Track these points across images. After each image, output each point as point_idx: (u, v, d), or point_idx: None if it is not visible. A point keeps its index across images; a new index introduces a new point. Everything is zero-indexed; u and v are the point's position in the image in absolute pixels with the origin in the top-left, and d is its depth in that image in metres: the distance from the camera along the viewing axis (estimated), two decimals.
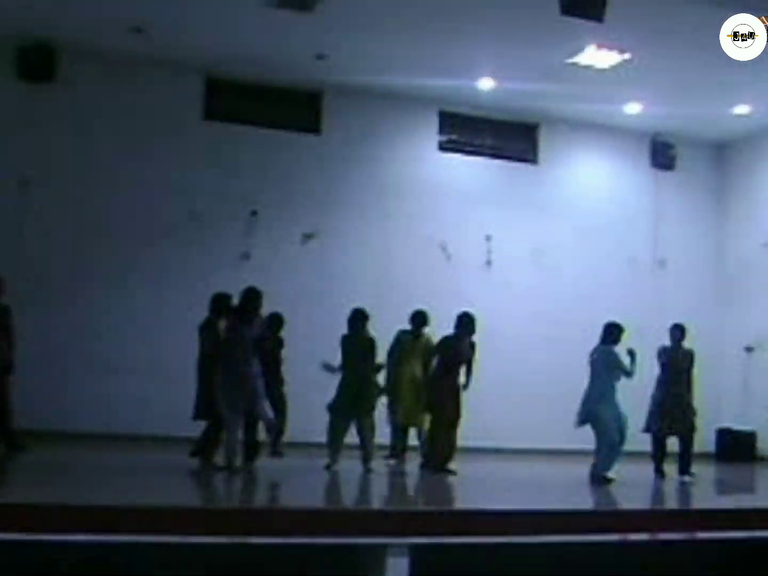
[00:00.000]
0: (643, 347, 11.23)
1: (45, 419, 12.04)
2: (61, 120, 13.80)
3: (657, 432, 11.65)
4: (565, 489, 10.16)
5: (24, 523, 5.80)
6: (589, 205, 16.55)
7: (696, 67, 13.44)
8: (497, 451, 13.97)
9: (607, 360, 10.85)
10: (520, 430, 14.09)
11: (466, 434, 12.65)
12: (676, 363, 11.71)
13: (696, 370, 11.85)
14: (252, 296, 10.03)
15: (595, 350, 11.06)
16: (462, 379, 11.28)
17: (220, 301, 10.44)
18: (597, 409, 10.68)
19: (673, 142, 16.91)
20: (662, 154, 16.93)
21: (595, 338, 11.18)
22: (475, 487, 10.09)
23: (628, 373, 10.78)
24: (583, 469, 10.81)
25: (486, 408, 14.00)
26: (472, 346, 11.37)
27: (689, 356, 11.84)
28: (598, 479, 10.48)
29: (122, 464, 10.54)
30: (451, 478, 10.72)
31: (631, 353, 10.81)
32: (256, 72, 14.58)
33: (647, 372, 11.57)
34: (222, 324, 10.16)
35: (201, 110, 14.80)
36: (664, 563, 7.22)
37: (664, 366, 11.76)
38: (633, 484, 10.75)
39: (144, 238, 14.06)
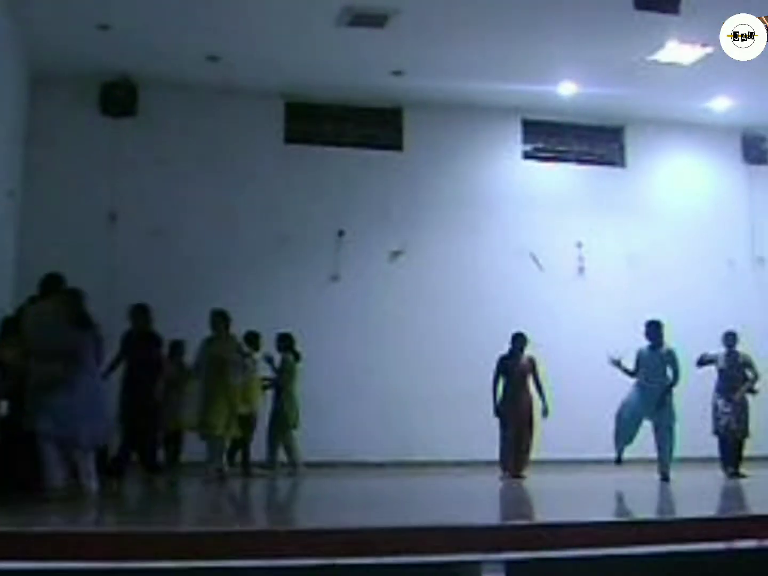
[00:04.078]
0: (753, 347, 11.15)
1: None
2: (144, 152, 14.01)
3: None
4: (664, 498, 9.87)
5: None
6: (682, 206, 16.11)
7: None
8: (598, 462, 13.63)
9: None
10: None
11: (567, 446, 12.48)
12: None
13: None
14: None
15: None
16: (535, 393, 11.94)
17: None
18: None
19: (766, 134, 16.42)
20: (755, 148, 16.44)
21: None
22: (585, 498, 9.83)
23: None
24: (680, 478, 10.76)
25: (586, 418, 13.70)
26: (531, 361, 11.94)
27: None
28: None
29: None
30: (551, 491, 10.74)
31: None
32: (334, 92, 14.64)
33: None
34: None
35: (282, 134, 14.89)
36: None
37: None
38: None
39: (232, 264, 14.15)
